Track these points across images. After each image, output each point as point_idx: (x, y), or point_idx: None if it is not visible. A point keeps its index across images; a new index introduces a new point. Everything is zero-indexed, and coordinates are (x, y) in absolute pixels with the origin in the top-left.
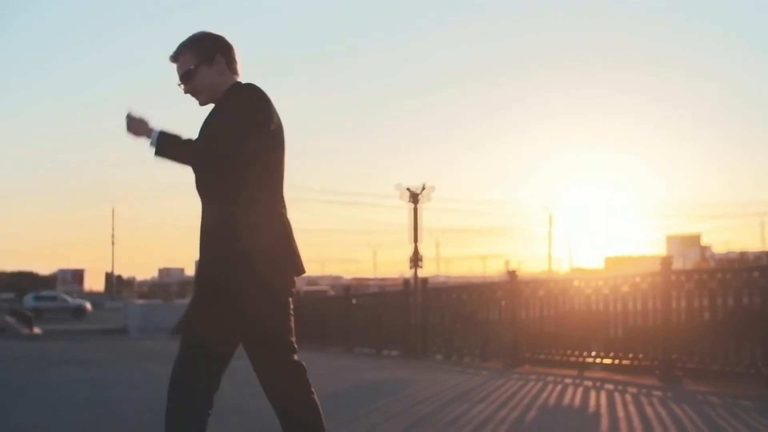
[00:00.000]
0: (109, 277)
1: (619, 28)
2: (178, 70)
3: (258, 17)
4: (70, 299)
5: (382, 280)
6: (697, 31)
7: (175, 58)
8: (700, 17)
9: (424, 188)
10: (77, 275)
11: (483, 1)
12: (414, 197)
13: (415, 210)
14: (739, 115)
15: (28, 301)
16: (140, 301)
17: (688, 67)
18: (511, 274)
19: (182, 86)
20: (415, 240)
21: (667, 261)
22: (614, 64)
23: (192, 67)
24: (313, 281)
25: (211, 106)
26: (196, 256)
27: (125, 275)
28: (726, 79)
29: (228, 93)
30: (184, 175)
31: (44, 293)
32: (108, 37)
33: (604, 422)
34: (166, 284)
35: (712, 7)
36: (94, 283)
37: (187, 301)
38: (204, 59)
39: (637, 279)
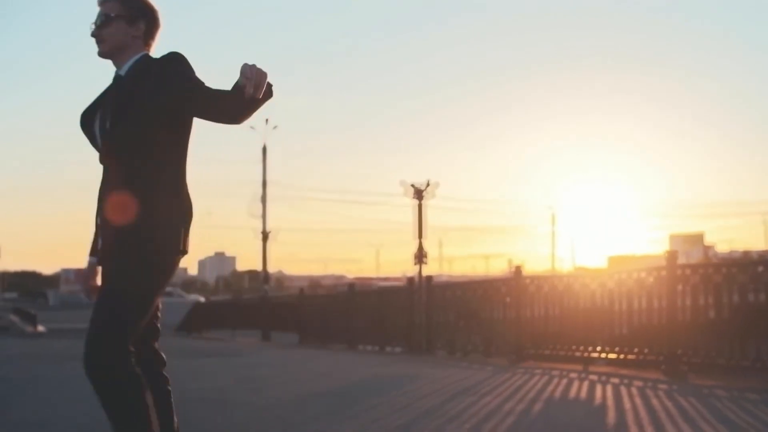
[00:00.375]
0: None
1: (619, 28)
2: (100, 13)
3: (258, 17)
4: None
5: (385, 279)
6: (697, 31)
7: (103, 1)
8: (700, 17)
9: (428, 184)
10: (80, 274)
11: (483, 1)
12: (418, 193)
13: (420, 206)
14: (740, 114)
15: None
16: None
17: (688, 67)
18: (517, 269)
19: (93, 27)
20: (420, 236)
21: (672, 255)
22: (614, 64)
23: (113, 15)
24: (315, 281)
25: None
26: (200, 255)
27: None
28: (726, 79)
29: (155, 61)
30: (190, 174)
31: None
32: None
33: (611, 414)
34: (169, 283)
35: (712, 7)
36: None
37: (190, 298)
38: (126, 15)
39: (643, 273)
